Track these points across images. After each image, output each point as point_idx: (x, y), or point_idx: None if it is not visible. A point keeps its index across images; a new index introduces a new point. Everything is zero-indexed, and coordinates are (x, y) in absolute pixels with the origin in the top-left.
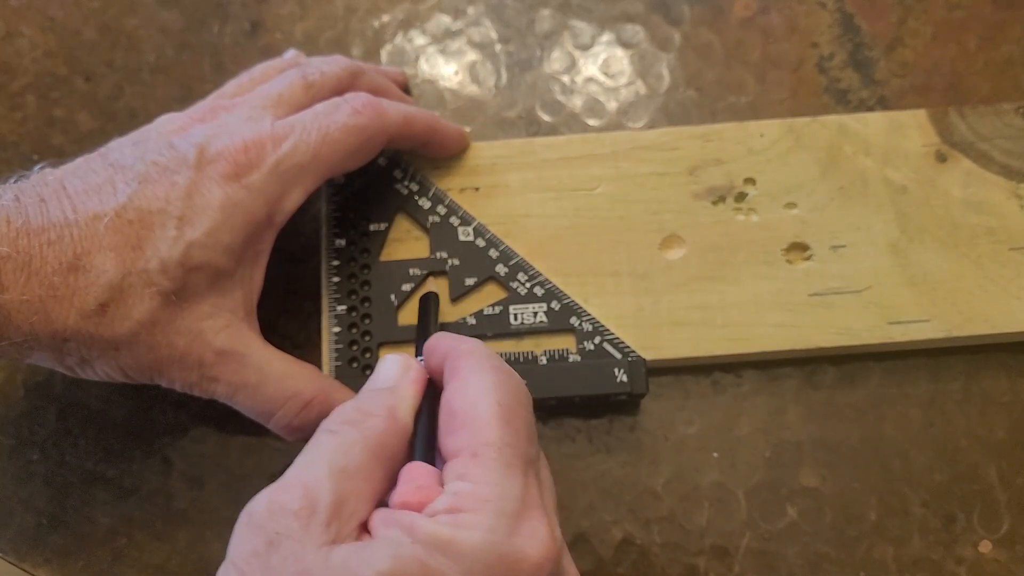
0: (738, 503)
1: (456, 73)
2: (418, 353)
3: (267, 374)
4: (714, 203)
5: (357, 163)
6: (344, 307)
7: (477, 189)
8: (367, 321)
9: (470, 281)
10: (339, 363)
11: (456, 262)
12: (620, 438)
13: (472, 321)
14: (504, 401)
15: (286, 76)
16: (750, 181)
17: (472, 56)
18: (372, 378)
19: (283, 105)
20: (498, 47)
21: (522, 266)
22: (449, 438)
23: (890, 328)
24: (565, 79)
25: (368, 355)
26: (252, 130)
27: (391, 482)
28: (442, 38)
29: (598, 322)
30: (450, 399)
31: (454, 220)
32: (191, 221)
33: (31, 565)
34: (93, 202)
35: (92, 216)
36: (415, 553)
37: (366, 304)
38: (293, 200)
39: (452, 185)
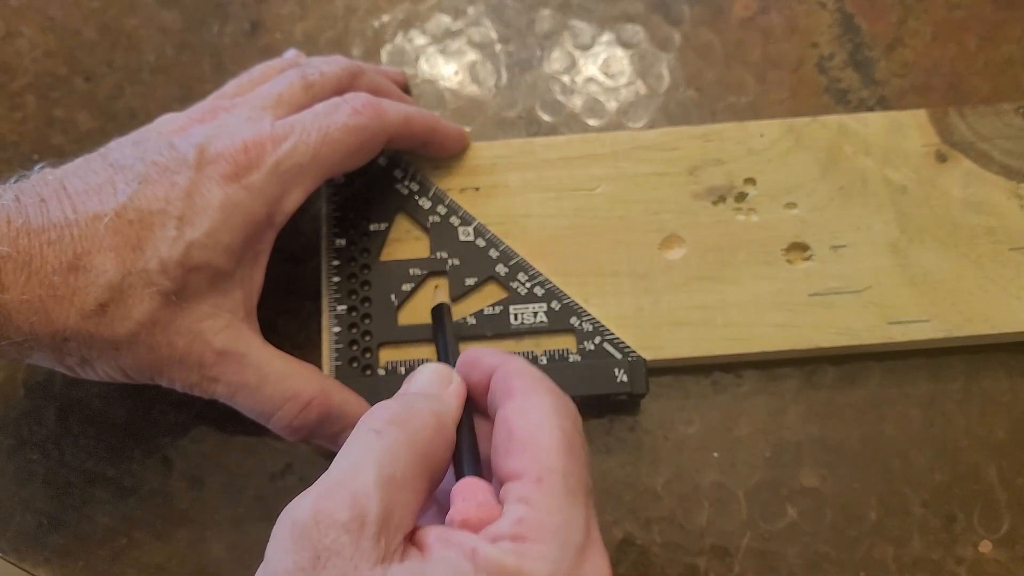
0: (738, 503)
1: (456, 73)
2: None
3: (267, 374)
4: (714, 203)
5: (357, 163)
6: (344, 307)
7: (477, 189)
8: (367, 321)
9: (470, 281)
10: (339, 363)
11: (456, 262)
12: (620, 438)
13: (472, 321)
14: (565, 427)
15: (286, 76)
16: (750, 181)
17: (472, 56)
18: (409, 384)
19: (283, 105)
20: (498, 47)
21: (522, 266)
22: (507, 459)
23: (890, 328)
24: (565, 79)
25: (368, 355)
26: (252, 130)
27: (431, 494)
28: (442, 38)
29: (598, 322)
30: (508, 418)
31: (454, 220)
32: (191, 221)
33: (31, 565)
34: (93, 202)
35: (92, 216)
36: None
37: (366, 304)
38: (293, 200)
39: (452, 185)
